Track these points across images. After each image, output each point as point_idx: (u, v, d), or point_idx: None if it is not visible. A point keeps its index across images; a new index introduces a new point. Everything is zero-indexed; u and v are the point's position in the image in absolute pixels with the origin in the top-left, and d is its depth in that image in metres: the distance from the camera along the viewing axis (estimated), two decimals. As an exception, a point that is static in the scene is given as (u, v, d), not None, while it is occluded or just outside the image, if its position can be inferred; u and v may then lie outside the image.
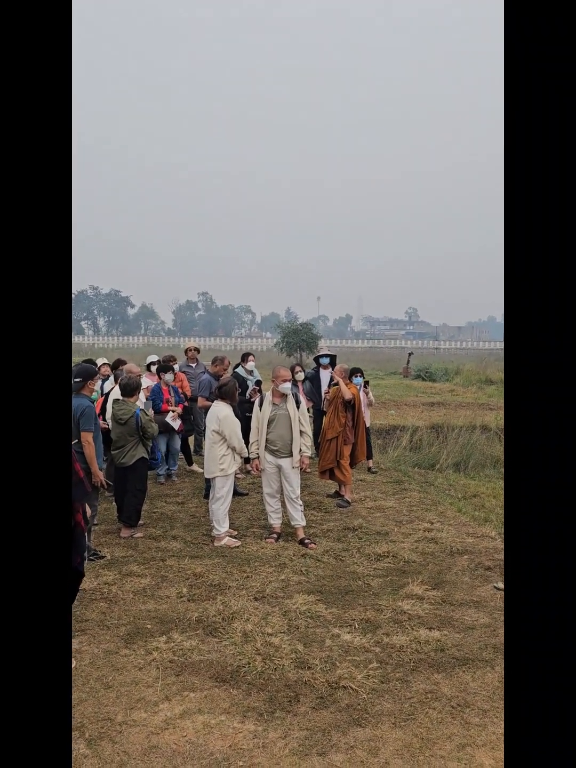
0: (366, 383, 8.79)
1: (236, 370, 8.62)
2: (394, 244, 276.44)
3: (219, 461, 5.75)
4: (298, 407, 5.92)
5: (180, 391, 8.07)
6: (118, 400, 5.96)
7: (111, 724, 3.04)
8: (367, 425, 8.64)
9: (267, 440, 5.87)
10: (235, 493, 6.68)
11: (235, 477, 6.19)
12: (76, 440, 4.97)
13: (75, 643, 3.81)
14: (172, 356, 8.97)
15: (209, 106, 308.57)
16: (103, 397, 7.14)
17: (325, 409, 7.73)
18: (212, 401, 6.19)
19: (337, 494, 7.42)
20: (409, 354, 29.69)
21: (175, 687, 3.39)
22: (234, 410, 6.03)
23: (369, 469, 9.01)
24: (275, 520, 5.99)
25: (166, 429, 7.53)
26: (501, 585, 4.80)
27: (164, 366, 7.88)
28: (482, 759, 2.83)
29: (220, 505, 5.76)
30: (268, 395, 6.00)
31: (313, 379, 9.00)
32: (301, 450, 5.86)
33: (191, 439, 9.14)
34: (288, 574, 4.99)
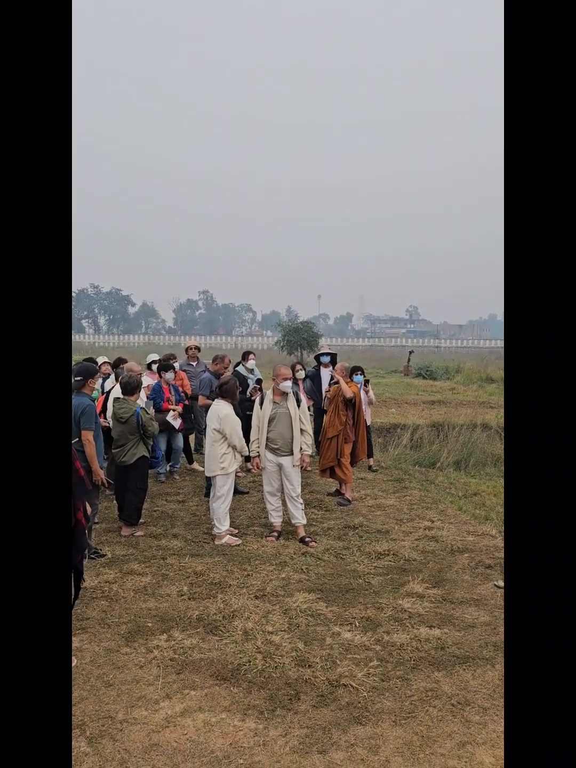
0: (366, 381, 8.79)
1: (237, 368, 8.62)
2: (394, 243, 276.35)
3: (220, 460, 5.75)
4: (298, 406, 5.92)
5: (180, 389, 8.07)
6: (119, 398, 5.96)
7: (112, 722, 3.05)
8: (368, 424, 8.65)
9: (268, 438, 5.87)
10: (236, 492, 6.69)
11: (235, 475, 6.20)
12: (77, 439, 4.98)
13: (76, 642, 3.82)
14: (172, 355, 8.98)
15: (210, 106, 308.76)
16: (103, 396, 7.14)
17: (325, 408, 7.73)
18: (213, 400, 6.20)
19: (338, 493, 7.42)
20: (410, 352, 29.70)
21: (175, 685, 3.40)
22: (235, 409, 6.04)
23: (369, 467, 9.02)
24: (276, 519, 6.00)
25: (166, 428, 7.53)
26: (501, 583, 4.80)
27: (165, 364, 7.88)
28: (482, 757, 2.84)
29: (221, 504, 5.77)
30: (268, 394, 6.00)
31: (314, 378, 9.01)
32: (301, 448, 5.86)
33: (192, 438, 9.14)
34: (288, 573, 5.00)
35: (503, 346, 2.10)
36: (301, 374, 8.77)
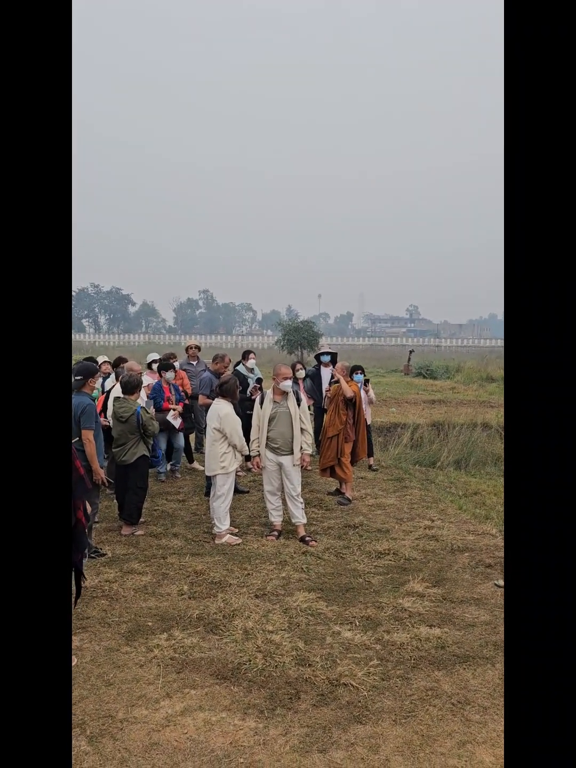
0: (366, 381, 8.79)
1: (237, 367, 8.62)
2: (395, 242, 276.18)
3: (220, 459, 5.75)
4: (298, 405, 5.92)
5: (181, 388, 8.07)
6: (119, 397, 5.97)
7: (112, 721, 3.06)
8: (368, 423, 8.65)
9: (268, 438, 5.88)
10: (236, 491, 6.69)
11: (236, 475, 6.20)
12: (77, 438, 4.98)
13: (76, 641, 3.82)
14: (173, 354, 8.98)
15: (210, 106, 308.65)
16: (104, 395, 7.15)
17: (325, 407, 7.74)
18: (213, 399, 6.20)
19: (338, 492, 7.42)
20: (410, 351, 29.69)
21: (175, 684, 3.40)
22: (235, 408, 6.04)
23: (370, 466, 9.02)
24: (276, 518, 6.00)
25: (166, 427, 7.53)
26: (501, 582, 4.81)
27: (165, 364, 7.88)
28: (482, 756, 2.84)
29: (221, 503, 5.77)
30: (268, 393, 6.00)
31: (314, 377, 9.01)
32: (301, 448, 5.87)
33: (192, 437, 9.15)
34: (289, 572, 5.00)
35: (503, 345, 2.11)
36: (301, 373, 8.77)
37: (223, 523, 5.77)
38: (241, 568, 5.06)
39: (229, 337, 79.10)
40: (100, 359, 8.44)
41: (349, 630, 4.03)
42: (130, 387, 5.95)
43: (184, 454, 8.38)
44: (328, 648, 3.79)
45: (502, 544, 5.71)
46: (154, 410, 7.28)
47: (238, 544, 5.66)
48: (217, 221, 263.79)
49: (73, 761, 2.74)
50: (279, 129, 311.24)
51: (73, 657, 3.62)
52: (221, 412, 5.78)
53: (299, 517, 5.89)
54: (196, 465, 8.61)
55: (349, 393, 7.03)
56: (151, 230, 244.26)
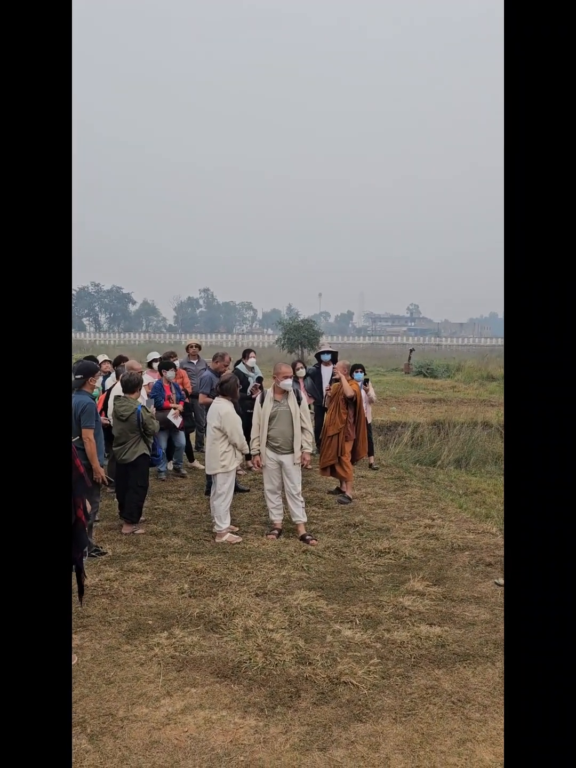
0: (367, 380, 8.80)
1: (237, 366, 8.63)
2: (395, 241, 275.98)
3: (220, 458, 5.76)
4: (299, 404, 5.93)
5: (181, 387, 8.08)
6: (120, 396, 5.97)
7: (112, 720, 3.06)
8: (369, 422, 8.66)
9: (268, 437, 5.88)
10: (237, 490, 6.70)
11: (236, 473, 6.21)
12: (78, 437, 4.98)
13: (77, 639, 3.83)
14: (173, 353, 8.98)
15: (210, 105, 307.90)
16: (104, 394, 7.15)
17: (326, 406, 7.74)
18: (213, 398, 6.21)
19: (338, 491, 7.43)
20: (411, 350, 29.68)
21: (176, 682, 3.41)
22: (235, 407, 6.04)
23: (370, 465, 9.03)
24: (276, 517, 6.01)
25: (167, 426, 7.54)
26: (501, 581, 4.81)
27: (165, 363, 7.88)
28: (482, 754, 2.84)
29: (222, 502, 5.77)
30: (269, 392, 6.01)
31: (315, 376, 9.01)
32: (302, 446, 5.87)
33: (192, 436, 9.15)
34: (289, 571, 5.01)
35: (503, 345, 2.11)
36: (301, 372, 8.77)
37: (223, 522, 5.78)
38: (242, 566, 5.07)
39: (229, 335, 79.01)
40: (101, 358, 8.43)
41: (350, 628, 4.03)
42: (131, 386, 5.96)
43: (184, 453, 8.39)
44: (328, 646, 3.80)
45: (503, 542, 5.72)
46: (154, 409, 7.29)
47: (239, 543, 5.67)
48: (217, 221, 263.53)
49: (73, 759, 2.75)
50: (279, 129, 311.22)
51: (74, 655, 3.63)
52: (221, 411, 5.78)
53: (300, 515, 5.90)
54: (196, 464, 8.62)
55: (349, 392, 7.03)
56: (151, 230, 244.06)
